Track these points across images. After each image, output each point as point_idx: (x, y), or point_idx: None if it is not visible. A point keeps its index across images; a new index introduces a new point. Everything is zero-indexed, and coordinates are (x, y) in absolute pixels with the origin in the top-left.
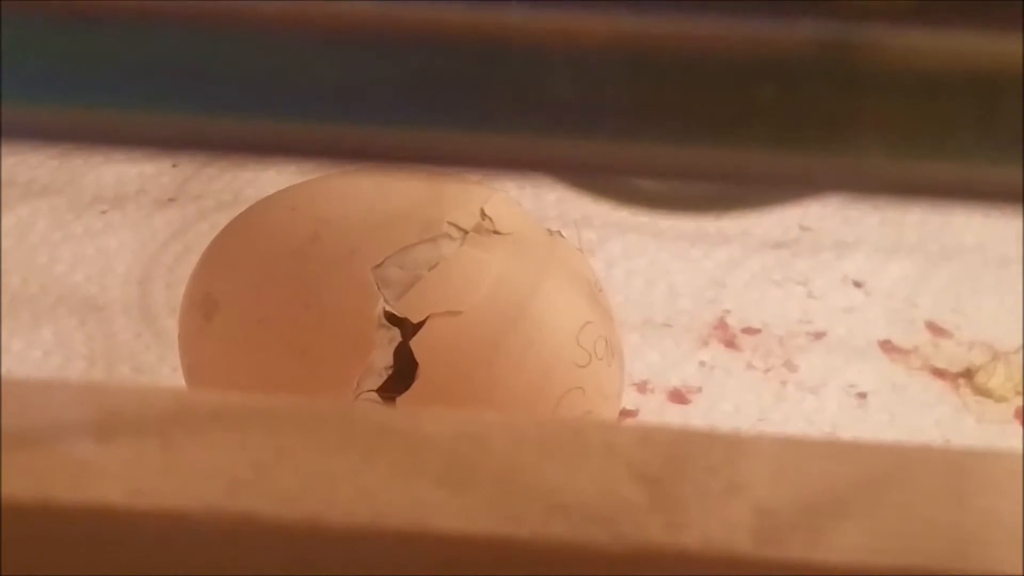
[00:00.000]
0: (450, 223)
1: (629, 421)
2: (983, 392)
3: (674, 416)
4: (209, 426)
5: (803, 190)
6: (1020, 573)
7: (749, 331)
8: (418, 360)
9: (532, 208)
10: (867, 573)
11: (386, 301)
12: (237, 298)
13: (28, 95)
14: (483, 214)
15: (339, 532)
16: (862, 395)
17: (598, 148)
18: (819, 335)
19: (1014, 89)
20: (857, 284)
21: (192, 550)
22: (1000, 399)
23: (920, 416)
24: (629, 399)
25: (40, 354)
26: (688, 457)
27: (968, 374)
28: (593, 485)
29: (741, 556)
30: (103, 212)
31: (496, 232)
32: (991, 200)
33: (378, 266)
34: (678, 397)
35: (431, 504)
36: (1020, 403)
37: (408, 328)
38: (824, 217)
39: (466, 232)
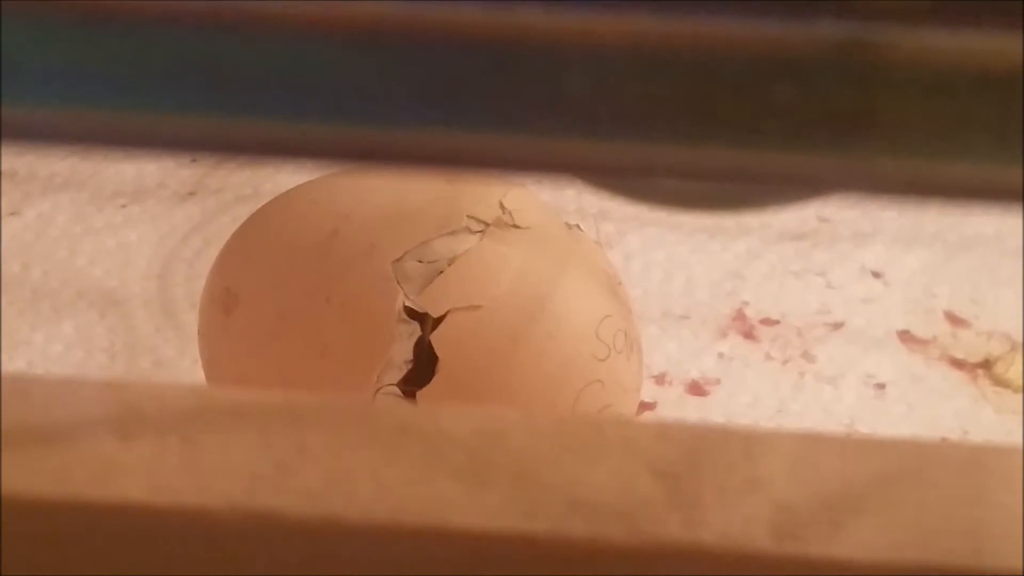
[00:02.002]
0: (470, 217)
1: (648, 413)
2: (1002, 383)
3: (692, 408)
4: (230, 423)
5: (820, 189)
6: None
7: (767, 322)
8: (438, 354)
9: (550, 202)
10: (885, 568)
11: (406, 295)
12: (257, 292)
13: (42, 97)
14: (502, 208)
15: (359, 529)
16: (880, 386)
17: (615, 148)
18: (837, 326)
19: None
20: (875, 275)
21: (213, 547)
22: (1018, 389)
23: (938, 407)
24: (647, 391)
25: (61, 348)
26: (706, 453)
27: (987, 364)
28: (611, 481)
29: (759, 552)
30: (123, 206)
31: (516, 226)
32: (1007, 200)
33: (398, 260)
34: (696, 389)
35: (450, 501)
36: None
37: (428, 322)
38: (842, 208)
39: (486, 226)
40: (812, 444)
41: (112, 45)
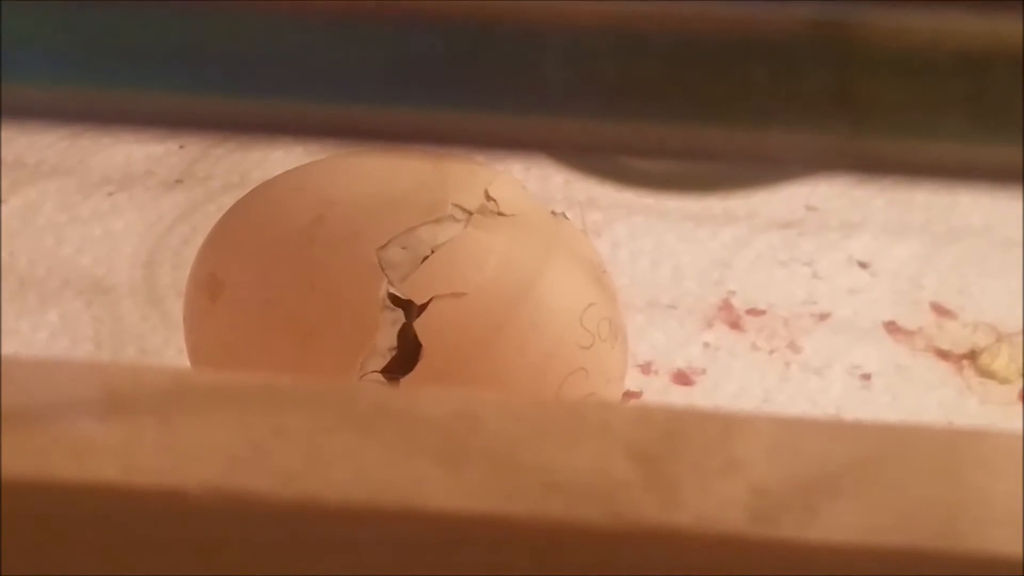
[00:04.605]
0: (454, 205)
1: (633, 402)
2: (987, 374)
3: (678, 397)
4: (207, 405)
5: (796, 170)
6: (1013, 551)
7: (754, 312)
8: (422, 341)
9: (538, 190)
10: (861, 551)
11: (390, 282)
12: (242, 279)
13: (32, 75)
14: (488, 196)
15: (336, 510)
16: (866, 376)
17: (590, 127)
18: (824, 316)
19: (1006, 69)
20: (862, 265)
21: (189, 527)
22: (1004, 381)
23: (924, 398)
24: (633, 380)
25: (47, 336)
26: (684, 436)
27: (972, 356)
28: (589, 464)
29: (736, 534)
30: (110, 194)
31: (500, 214)
32: (984, 179)
33: (383, 247)
34: (682, 378)
35: (428, 483)
36: (1023, 385)
37: (412, 309)
38: (830, 197)
39: (470, 214)
40: (789, 427)
41: (103, 25)
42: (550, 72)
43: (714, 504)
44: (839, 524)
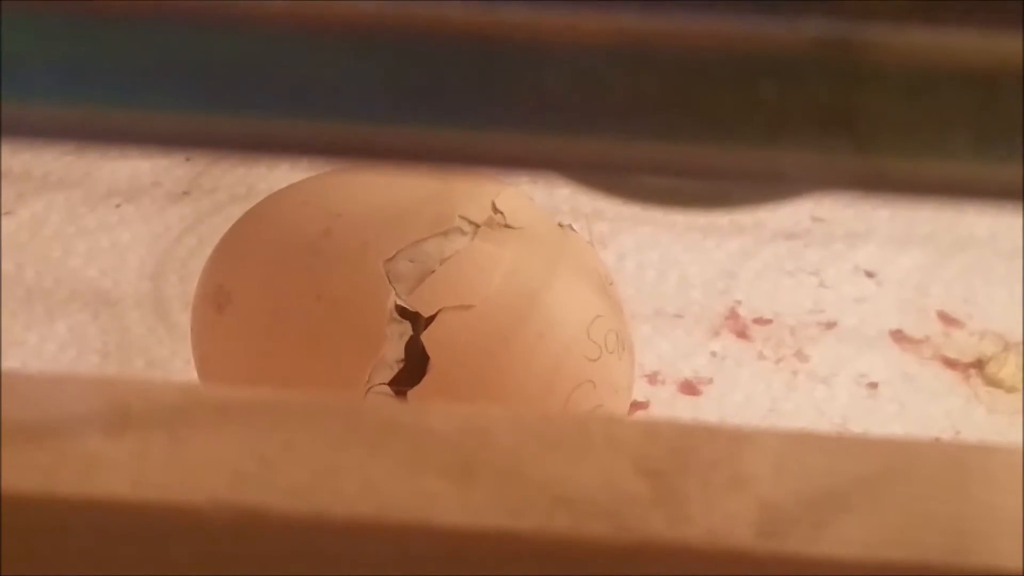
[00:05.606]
0: (461, 217)
1: (640, 413)
2: (994, 382)
3: (685, 407)
4: (216, 420)
5: (802, 187)
6: (1021, 567)
7: (760, 321)
8: (429, 354)
9: (544, 202)
10: (869, 566)
11: (398, 295)
12: (249, 291)
13: (37, 94)
14: (494, 208)
15: (344, 525)
16: (873, 385)
17: (598, 145)
18: (830, 325)
19: (1013, 87)
20: (869, 274)
21: (197, 543)
22: (1011, 389)
23: (931, 406)
24: (640, 390)
25: (55, 348)
26: (691, 451)
27: (979, 364)
28: (597, 479)
29: (744, 549)
30: (117, 206)
31: (507, 226)
32: (990, 198)
33: (390, 260)
34: (689, 388)
35: (436, 498)
36: None
37: (420, 322)
38: (836, 208)
39: (477, 226)
40: (797, 442)
41: (108, 43)
42: (556, 90)
43: (722, 519)
44: (846, 539)
